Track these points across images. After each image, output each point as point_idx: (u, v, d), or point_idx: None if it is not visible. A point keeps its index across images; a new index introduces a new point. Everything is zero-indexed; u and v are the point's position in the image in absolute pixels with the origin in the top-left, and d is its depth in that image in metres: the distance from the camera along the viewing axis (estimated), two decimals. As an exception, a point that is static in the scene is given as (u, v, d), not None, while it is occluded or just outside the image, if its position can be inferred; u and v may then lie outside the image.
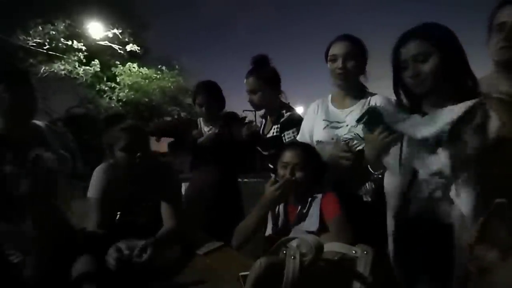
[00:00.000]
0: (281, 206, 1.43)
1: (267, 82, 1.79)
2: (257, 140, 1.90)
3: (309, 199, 1.35)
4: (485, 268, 0.72)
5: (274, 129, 1.79)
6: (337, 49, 1.47)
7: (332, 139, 1.48)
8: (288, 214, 1.41)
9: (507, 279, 0.61)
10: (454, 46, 1.02)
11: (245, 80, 1.84)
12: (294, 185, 1.35)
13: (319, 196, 1.34)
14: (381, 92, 1.51)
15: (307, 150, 1.41)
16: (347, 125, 1.45)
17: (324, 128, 1.52)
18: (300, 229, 1.32)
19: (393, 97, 1.24)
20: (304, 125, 1.64)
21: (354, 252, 0.70)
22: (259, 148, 1.89)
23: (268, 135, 1.83)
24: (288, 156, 1.37)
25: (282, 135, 1.73)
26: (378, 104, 1.39)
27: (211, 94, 2.03)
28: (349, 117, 1.46)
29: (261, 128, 1.94)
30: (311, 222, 1.30)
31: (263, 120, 1.96)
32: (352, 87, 1.51)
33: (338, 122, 1.49)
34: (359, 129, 1.38)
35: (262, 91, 1.79)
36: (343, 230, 1.24)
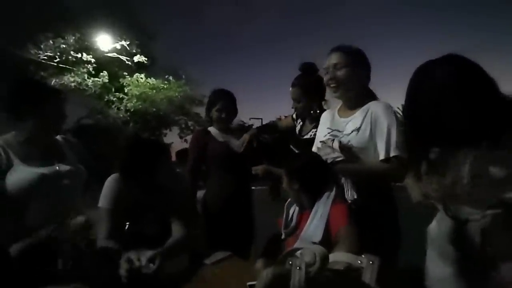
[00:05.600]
0: (295, 212, 1.43)
1: (309, 93, 1.83)
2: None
3: (314, 207, 1.33)
4: None
5: (312, 131, 1.81)
6: (328, 61, 1.47)
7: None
8: (301, 221, 1.40)
9: None
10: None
11: (290, 88, 1.89)
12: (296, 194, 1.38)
13: (327, 205, 1.32)
14: (384, 98, 1.49)
15: (304, 161, 1.42)
16: (344, 133, 1.45)
17: (325, 135, 1.54)
18: (305, 238, 1.31)
19: (394, 104, 1.23)
20: (317, 133, 1.66)
21: (360, 262, 0.70)
22: (292, 147, 1.91)
23: (305, 136, 1.85)
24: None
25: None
26: (376, 111, 1.38)
27: (232, 101, 2.10)
28: (348, 125, 1.46)
29: (298, 129, 1.96)
30: (316, 233, 1.28)
31: (300, 121, 1.98)
32: (351, 96, 1.49)
33: (338, 131, 1.48)
34: (352, 137, 1.40)
35: (305, 101, 1.84)
36: (350, 241, 1.21)
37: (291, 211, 1.46)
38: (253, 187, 2.26)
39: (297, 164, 1.42)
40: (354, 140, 1.40)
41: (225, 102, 2.06)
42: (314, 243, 1.23)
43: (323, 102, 1.88)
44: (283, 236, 1.44)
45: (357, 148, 1.39)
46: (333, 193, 1.35)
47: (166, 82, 11.45)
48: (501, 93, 0.90)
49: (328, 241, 1.23)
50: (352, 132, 1.42)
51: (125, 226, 1.50)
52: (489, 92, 0.89)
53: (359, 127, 1.40)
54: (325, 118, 1.63)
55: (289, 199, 1.48)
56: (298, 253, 0.69)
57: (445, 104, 0.91)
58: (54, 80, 9.51)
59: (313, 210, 1.34)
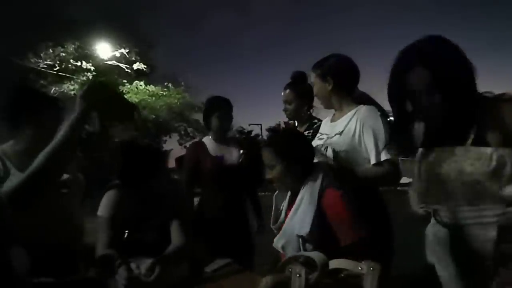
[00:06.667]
0: (285, 205, 1.31)
1: (300, 96, 1.94)
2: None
3: (300, 194, 1.17)
4: None
5: (305, 134, 1.84)
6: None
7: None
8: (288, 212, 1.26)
9: None
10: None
11: (282, 92, 2.00)
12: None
13: (315, 190, 1.15)
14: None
15: (275, 147, 1.24)
16: (329, 136, 1.47)
17: (315, 140, 1.57)
18: (289, 230, 1.16)
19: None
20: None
21: (360, 268, 0.70)
22: None
23: None
24: (263, 158, 1.26)
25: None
26: (363, 116, 1.40)
27: (230, 108, 2.11)
28: (334, 129, 1.48)
29: None
30: (303, 224, 1.10)
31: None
32: (336, 104, 1.53)
33: (326, 135, 1.51)
34: (335, 140, 1.42)
35: (296, 103, 1.95)
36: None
37: (281, 205, 1.33)
38: (260, 193, 2.27)
39: (281, 139, 1.32)
40: (336, 142, 1.41)
41: (223, 110, 2.05)
42: (301, 236, 1.10)
43: (311, 110, 1.98)
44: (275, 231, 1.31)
45: (340, 151, 1.39)
46: (320, 176, 1.18)
47: (165, 89, 11.51)
48: (476, 92, 0.90)
49: (322, 234, 1.09)
50: (335, 135, 1.44)
51: (125, 234, 1.49)
52: (463, 93, 0.87)
53: (342, 131, 1.42)
54: (322, 124, 1.67)
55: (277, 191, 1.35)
56: (298, 260, 0.69)
57: (420, 105, 0.91)
58: (54, 88, 9.56)
59: (298, 197, 1.17)
